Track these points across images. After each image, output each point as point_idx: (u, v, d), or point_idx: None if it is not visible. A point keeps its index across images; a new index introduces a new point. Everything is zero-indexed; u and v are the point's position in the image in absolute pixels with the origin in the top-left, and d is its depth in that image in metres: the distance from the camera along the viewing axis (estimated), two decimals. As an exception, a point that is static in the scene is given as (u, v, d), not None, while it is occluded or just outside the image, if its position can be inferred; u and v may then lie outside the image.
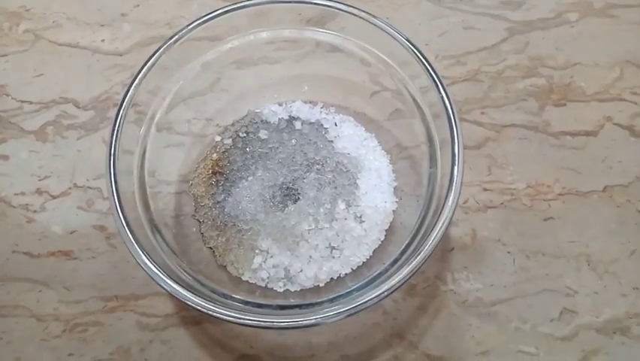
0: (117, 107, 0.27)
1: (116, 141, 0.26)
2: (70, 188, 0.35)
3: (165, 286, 0.24)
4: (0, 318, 0.32)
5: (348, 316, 0.23)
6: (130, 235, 0.24)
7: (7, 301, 0.32)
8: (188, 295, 0.24)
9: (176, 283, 0.24)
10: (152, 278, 0.24)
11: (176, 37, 0.29)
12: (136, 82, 0.27)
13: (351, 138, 0.33)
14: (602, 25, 0.39)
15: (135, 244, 0.24)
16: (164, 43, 0.28)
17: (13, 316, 0.32)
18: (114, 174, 0.25)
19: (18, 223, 0.34)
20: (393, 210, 0.31)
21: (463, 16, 0.39)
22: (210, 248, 0.30)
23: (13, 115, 0.37)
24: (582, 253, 0.32)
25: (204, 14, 0.30)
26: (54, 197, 0.35)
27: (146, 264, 0.24)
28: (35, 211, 0.34)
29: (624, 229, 0.33)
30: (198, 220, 0.31)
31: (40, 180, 0.35)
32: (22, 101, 0.38)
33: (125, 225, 0.24)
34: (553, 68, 0.37)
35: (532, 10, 0.39)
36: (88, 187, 0.35)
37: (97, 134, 0.36)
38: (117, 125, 0.26)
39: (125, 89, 0.27)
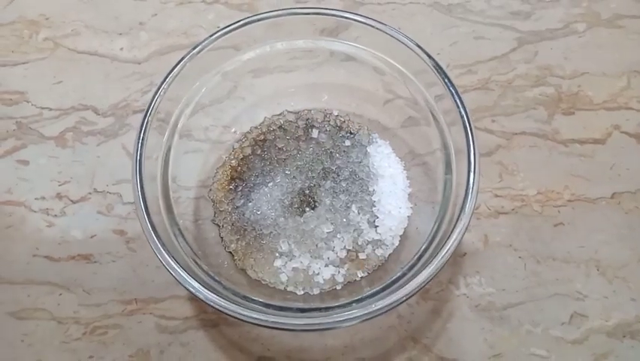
0: (142, 115, 0.28)
1: (142, 147, 0.26)
2: (89, 193, 0.35)
3: (189, 287, 0.25)
4: (21, 321, 0.32)
5: (368, 319, 0.24)
6: (155, 238, 0.25)
7: (28, 305, 0.33)
8: (211, 296, 0.24)
9: (200, 284, 0.25)
10: (177, 279, 0.25)
11: (199, 47, 0.29)
12: (160, 91, 0.28)
13: (365, 147, 0.33)
14: (609, 35, 0.40)
15: (161, 247, 0.25)
16: (188, 53, 0.29)
17: (34, 318, 0.33)
18: (141, 179, 0.26)
19: (38, 228, 0.35)
20: (408, 216, 0.31)
21: (473, 27, 0.40)
22: (230, 252, 0.31)
23: (33, 121, 0.38)
24: (592, 258, 0.33)
25: (224, 26, 0.31)
26: (74, 202, 0.35)
27: (171, 265, 0.25)
28: (55, 216, 0.35)
29: (633, 234, 0.33)
30: (217, 225, 0.32)
31: (60, 185, 0.36)
32: (42, 108, 0.38)
33: (151, 229, 0.25)
34: (562, 77, 0.38)
35: (541, 21, 0.40)
36: (107, 192, 0.35)
37: (116, 140, 0.37)
38: (142, 132, 0.27)
39: (151, 97, 0.28)
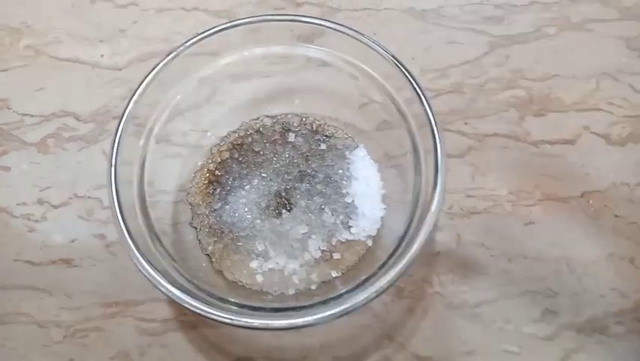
0: (118, 121, 0.28)
1: (117, 153, 0.27)
2: (70, 198, 0.36)
3: (165, 291, 0.25)
4: (3, 325, 0.33)
5: (340, 316, 0.25)
6: (131, 243, 0.26)
7: (9, 309, 0.33)
8: (187, 298, 0.25)
9: (175, 287, 0.25)
10: (153, 283, 0.26)
11: (174, 53, 0.30)
12: (135, 97, 0.29)
13: (341, 150, 0.34)
14: (579, 39, 0.41)
15: (136, 252, 0.25)
16: (162, 60, 0.30)
17: (16, 323, 0.33)
18: (116, 184, 0.26)
19: (20, 233, 0.35)
20: (382, 217, 0.32)
21: (446, 32, 0.41)
22: (207, 255, 0.32)
23: (15, 128, 0.39)
24: (562, 256, 0.34)
25: (200, 31, 0.31)
26: (55, 207, 0.36)
27: (146, 270, 0.25)
28: (37, 221, 0.36)
29: (601, 232, 0.34)
30: (195, 228, 0.33)
31: (41, 191, 0.36)
32: (24, 115, 0.39)
33: (126, 233, 0.26)
34: (533, 79, 0.39)
35: (513, 25, 0.41)
36: (88, 197, 0.36)
37: (97, 145, 0.38)
38: (118, 138, 0.28)
39: (126, 104, 0.29)
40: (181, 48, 0.30)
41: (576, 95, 0.39)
